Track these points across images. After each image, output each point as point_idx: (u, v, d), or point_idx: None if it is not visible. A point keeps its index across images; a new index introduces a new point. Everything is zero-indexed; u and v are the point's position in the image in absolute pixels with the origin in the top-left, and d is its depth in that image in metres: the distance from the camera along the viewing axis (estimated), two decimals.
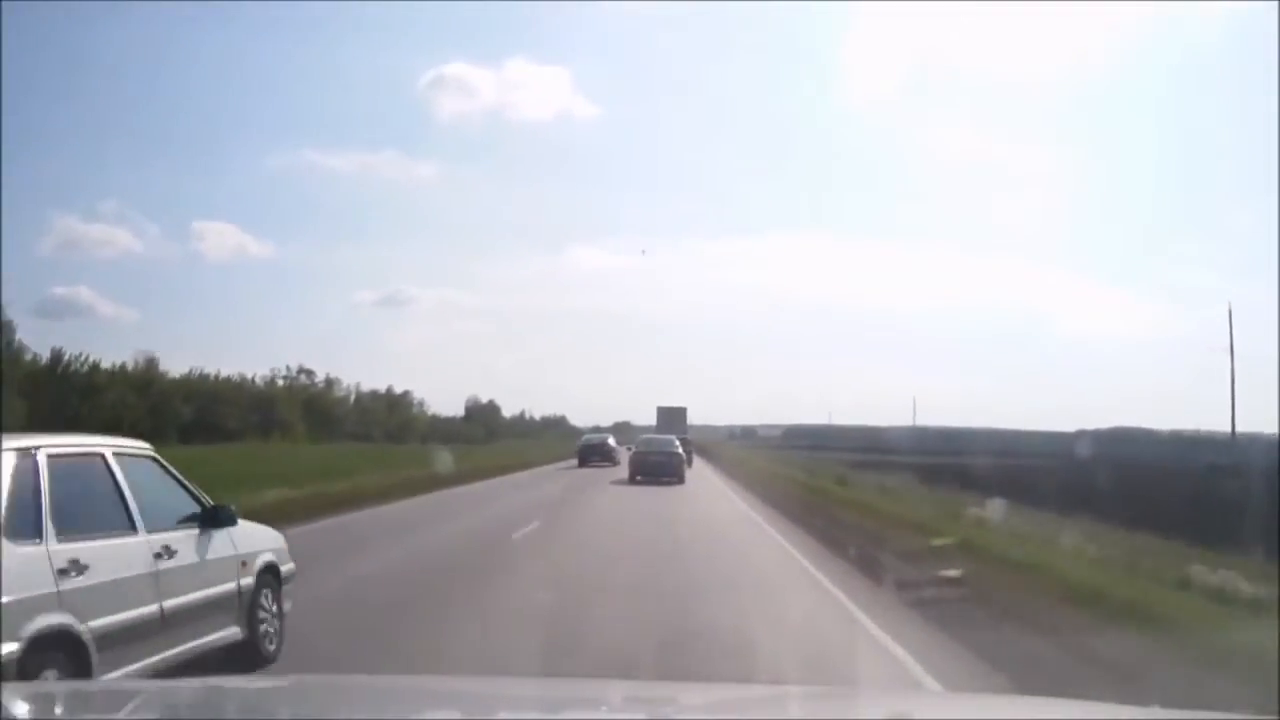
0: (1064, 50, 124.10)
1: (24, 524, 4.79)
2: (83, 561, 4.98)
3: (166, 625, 5.60)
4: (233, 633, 6.37)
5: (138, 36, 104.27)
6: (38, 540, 4.82)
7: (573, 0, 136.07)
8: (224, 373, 66.45)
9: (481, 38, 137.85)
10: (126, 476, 5.65)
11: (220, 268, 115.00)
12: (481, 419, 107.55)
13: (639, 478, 30.20)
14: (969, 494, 22.52)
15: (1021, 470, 32.49)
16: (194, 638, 5.92)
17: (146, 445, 6.21)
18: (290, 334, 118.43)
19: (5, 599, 4.44)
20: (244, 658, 6.47)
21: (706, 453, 55.48)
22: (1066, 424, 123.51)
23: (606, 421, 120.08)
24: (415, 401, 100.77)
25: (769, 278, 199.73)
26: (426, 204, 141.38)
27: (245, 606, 6.54)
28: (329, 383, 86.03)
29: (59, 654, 4.69)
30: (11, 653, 4.39)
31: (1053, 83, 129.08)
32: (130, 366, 55.84)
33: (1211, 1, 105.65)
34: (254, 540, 6.86)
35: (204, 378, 63.08)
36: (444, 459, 31.63)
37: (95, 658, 4.90)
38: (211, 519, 6.27)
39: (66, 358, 48.98)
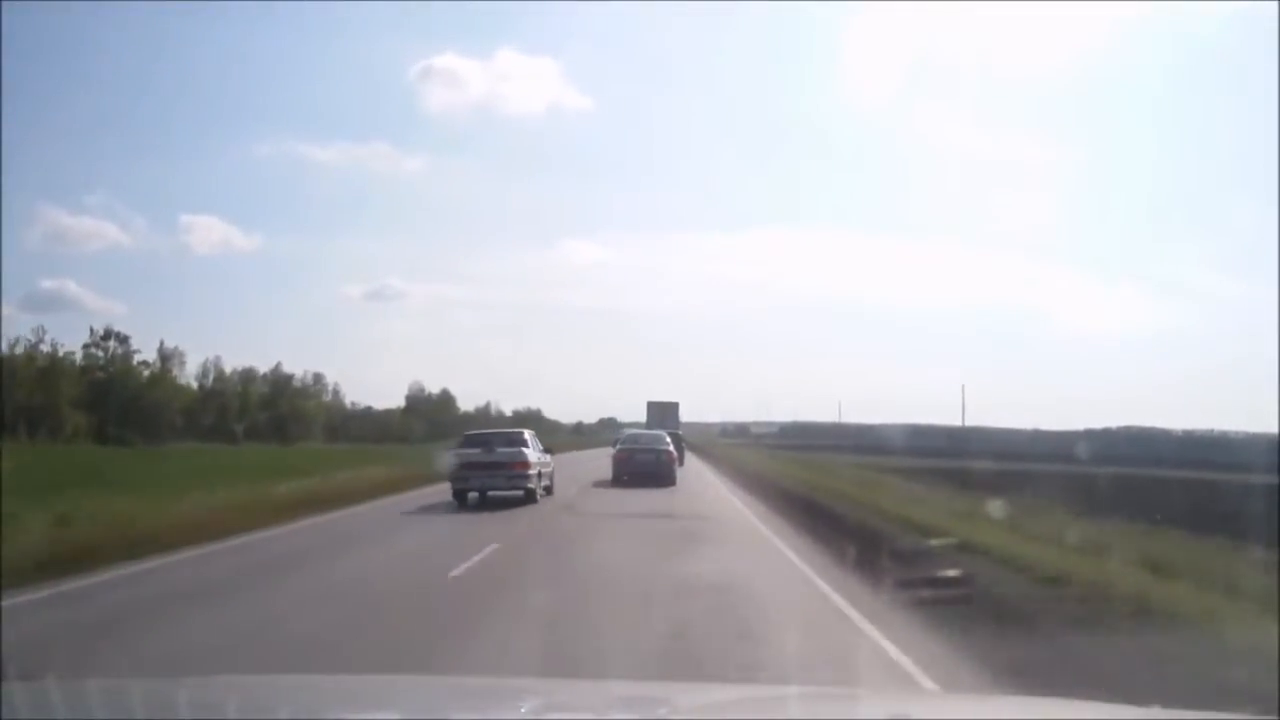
0: (1065, 47, 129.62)
1: (533, 448, 20.92)
2: (541, 457, 21.20)
3: (542, 476, 21.37)
4: (547, 484, 22.06)
5: (126, 30, 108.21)
6: (538, 451, 21.10)
7: None
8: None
9: (471, 28, 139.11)
10: (537, 435, 21.82)
11: (207, 261, 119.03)
12: (426, 412, 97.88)
13: (625, 478, 25.91)
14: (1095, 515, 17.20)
15: (1086, 479, 27.26)
16: (542, 482, 21.47)
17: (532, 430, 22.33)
18: (276, 327, 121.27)
19: (542, 456, 20.87)
20: (548, 495, 21.96)
21: (702, 451, 53.48)
22: (1063, 423, 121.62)
23: (591, 418, 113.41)
24: (327, 388, 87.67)
25: (764, 273, 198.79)
26: (415, 197, 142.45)
27: (550, 477, 22.37)
28: (164, 358, 67.37)
29: (541, 482, 20.81)
30: (542, 464, 20.66)
31: (1054, 79, 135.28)
32: None
33: (1212, 1, 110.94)
34: (549, 457, 22.58)
35: None
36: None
37: (541, 482, 20.85)
38: (548, 450, 22.28)
39: None
